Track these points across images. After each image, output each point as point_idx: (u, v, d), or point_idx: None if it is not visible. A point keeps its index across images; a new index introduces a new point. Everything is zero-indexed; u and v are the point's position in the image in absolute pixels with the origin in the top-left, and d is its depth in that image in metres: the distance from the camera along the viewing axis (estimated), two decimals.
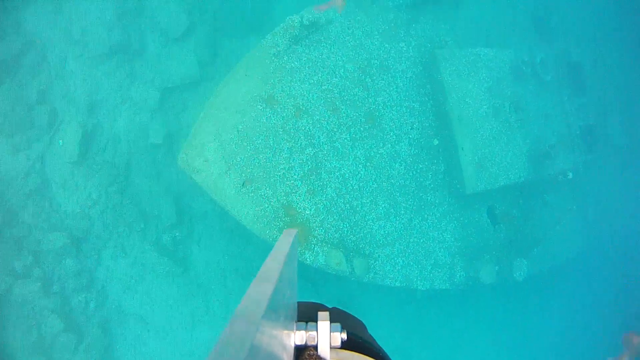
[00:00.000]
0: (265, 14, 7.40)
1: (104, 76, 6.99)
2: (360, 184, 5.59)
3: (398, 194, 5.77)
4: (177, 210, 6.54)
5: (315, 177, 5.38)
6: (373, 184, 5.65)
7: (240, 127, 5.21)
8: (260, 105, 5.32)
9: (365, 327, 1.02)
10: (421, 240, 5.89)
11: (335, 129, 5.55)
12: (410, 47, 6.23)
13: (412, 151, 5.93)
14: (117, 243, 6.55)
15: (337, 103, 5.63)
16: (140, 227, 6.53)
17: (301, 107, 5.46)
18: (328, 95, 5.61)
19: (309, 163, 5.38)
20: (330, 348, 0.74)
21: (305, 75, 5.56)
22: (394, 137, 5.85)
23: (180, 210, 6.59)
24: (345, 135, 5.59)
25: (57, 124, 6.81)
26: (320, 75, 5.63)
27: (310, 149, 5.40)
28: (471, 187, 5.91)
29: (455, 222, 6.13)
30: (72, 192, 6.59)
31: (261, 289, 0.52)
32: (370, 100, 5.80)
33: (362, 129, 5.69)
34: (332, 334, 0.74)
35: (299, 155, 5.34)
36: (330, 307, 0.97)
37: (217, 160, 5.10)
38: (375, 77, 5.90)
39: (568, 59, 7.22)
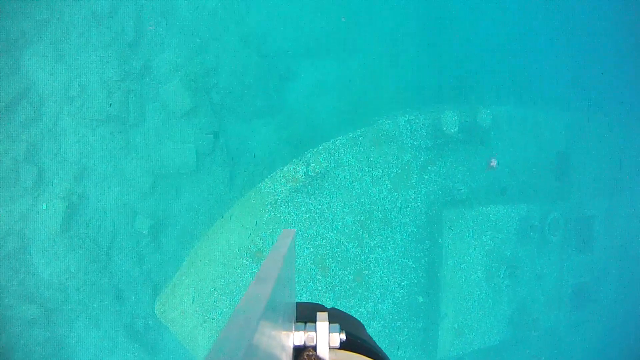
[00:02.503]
0: (275, 100, 6.87)
1: (97, 142, 6.61)
2: None
3: None
4: (153, 299, 6.51)
5: None
6: None
7: (223, 281, 5.05)
8: (247, 260, 5.11)
9: (363, 328, 1.03)
10: None
11: (320, 288, 5.39)
12: (420, 196, 5.88)
13: (393, 309, 5.83)
14: (91, 317, 6.61)
15: (328, 261, 5.42)
16: (116, 309, 6.55)
17: None
18: (320, 252, 5.38)
19: None
20: (329, 348, 0.74)
21: (299, 229, 5.29)
22: (379, 295, 5.71)
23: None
24: (329, 294, 5.45)
25: (43, 186, 6.55)
26: (315, 229, 5.36)
27: None
28: (444, 352, 5.90)
29: None
30: (51, 260, 6.50)
31: (260, 289, 0.52)
32: (363, 257, 5.58)
33: (347, 287, 5.54)
34: (330, 334, 0.74)
35: None
36: (328, 307, 0.98)
37: (194, 312, 5.01)
38: (373, 232, 5.62)
39: (582, 213, 6.88)
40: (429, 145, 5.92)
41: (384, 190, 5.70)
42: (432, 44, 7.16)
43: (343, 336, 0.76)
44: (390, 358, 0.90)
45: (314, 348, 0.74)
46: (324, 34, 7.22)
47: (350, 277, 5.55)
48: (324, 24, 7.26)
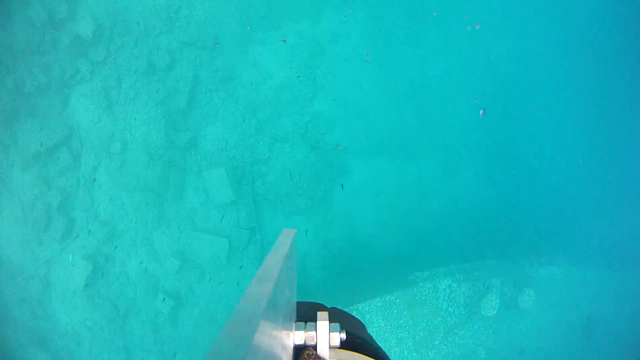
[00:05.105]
0: (320, 201, 6.56)
1: (130, 207, 6.43)
2: None
3: None
4: None
5: None
6: None
7: None
8: None
9: (364, 327, 1.04)
10: None
11: None
12: (439, 356, 5.84)
13: None
14: None
15: None
16: None
17: None
18: None
19: None
20: (330, 348, 0.75)
21: None
22: None
23: None
24: None
25: (72, 238, 6.49)
26: None
27: None
28: None
29: None
30: (70, 310, 6.64)
31: (260, 288, 0.52)
32: None
33: None
34: (331, 333, 0.75)
35: None
36: (329, 307, 1.01)
37: None
38: None
39: None
40: (462, 312, 5.76)
41: (405, 350, 5.65)
42: (497, 187, 6.66)
43: (343, 335, 0.76)
44: None
45: (315, 347, 0.74)
46: (388, 131, 6.70)
47: None
48: (390, 120, 6.71)
